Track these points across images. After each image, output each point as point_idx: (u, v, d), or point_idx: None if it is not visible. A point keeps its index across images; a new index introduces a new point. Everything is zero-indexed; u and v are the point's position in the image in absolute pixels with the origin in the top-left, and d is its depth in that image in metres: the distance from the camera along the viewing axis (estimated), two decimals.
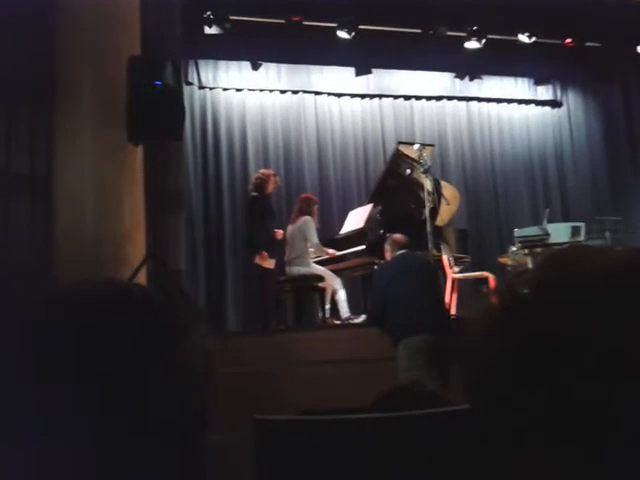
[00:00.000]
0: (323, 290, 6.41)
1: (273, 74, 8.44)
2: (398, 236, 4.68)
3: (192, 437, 0.59)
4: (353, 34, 7.70)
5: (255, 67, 8.21)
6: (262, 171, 6.81)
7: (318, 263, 6.52)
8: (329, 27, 7.73)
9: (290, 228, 6.53)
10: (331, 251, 6.53)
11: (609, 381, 0.49)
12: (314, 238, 6.38)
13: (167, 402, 0.56)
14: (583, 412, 0.49)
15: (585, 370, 0.50)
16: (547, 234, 6.88)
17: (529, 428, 0.52)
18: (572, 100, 9.82)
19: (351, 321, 6.22)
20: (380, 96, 8.95)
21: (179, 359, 0.58)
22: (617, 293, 0.51)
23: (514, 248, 6.91)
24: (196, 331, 0.61)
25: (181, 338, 0.59)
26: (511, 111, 9.62)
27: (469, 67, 8.83)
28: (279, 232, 6.53)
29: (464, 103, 9.37)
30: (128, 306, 0.59)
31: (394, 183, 6.88)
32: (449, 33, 7.99)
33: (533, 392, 0.52)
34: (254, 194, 6.43)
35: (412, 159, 6.55)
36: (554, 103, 9.78)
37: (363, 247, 6.27)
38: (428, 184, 6.01)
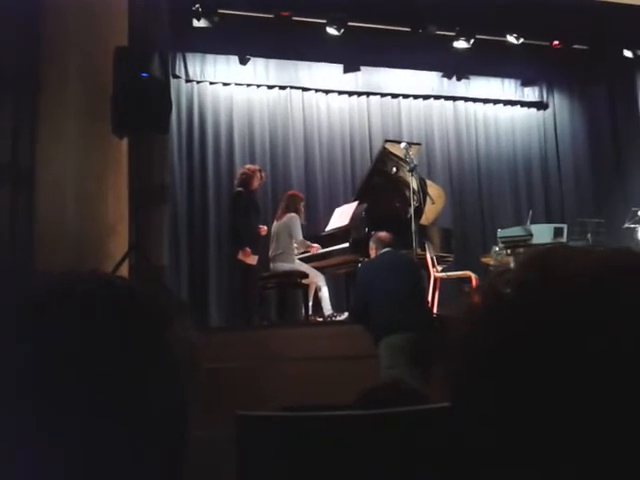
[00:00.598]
0: (307, 287, 6.41)
1: (261, 69, 8.41)
2: (383, 234, 4.68)
3: (175, 431, 0.59)
4: (342, 31, 7.68)
5: (243, 62, 8.16)
6: (248, 166, 6.79)
7: (302, 260, 6.51)
8: (318, 23, 7.71)
9: (275, 224, 6.52)
10: (315, 246, 6.54)
11: (595, 380, 0.49)
12: (299, 235, 6.38)
13: (150, 395, 0.56)
14: (568, 409, 0.50)
15: (567, 369, 0.50)
16: (530, 235, 6.94)
17: (513, 424, 0.52)
18: (558, 102, 9.88)
19: (334, 318, 6.23)
20: (368, 94, 8.95)
21: (163, 351, 0.58)
22: (598, 294, 0.52)
23: (497, 248, 6.95)
24: (180, 324, 0.61)
25: (165, 330, 0.59)
26: (497, 112, 9.66)
27: (457, 67, 8.85)
28: (263, 228, 6.51)
29: (451, 102, 9.39)
30: (112, 297, 0.58)
31: (380, 181, 6.89)
32: (438, 32, 8.00)
33: (515, 390, 0.52)
34: (239, 189, 6.41)
35: (398, 157, 6.56)
36: (540, 105, 9.83)
37: (347, 244, 6.27)
38: (414, 183, 6.03)
